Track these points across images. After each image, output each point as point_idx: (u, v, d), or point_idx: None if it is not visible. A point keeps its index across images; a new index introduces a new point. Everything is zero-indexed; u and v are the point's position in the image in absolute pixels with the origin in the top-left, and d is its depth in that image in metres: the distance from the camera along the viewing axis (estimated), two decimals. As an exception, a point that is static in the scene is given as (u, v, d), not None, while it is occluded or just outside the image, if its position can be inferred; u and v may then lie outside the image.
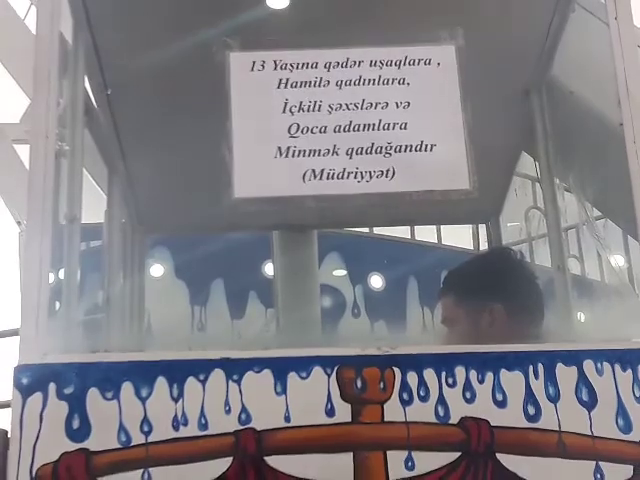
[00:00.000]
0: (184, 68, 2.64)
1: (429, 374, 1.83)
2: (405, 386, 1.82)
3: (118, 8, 2.53)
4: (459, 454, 1.78)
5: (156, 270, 5.80)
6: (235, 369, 1.81)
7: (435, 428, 1.80)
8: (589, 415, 1.83)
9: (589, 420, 1.83)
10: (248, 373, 1.81)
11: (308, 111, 2.09)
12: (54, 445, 1.74)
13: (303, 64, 2.12)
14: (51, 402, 1.77)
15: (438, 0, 2.51)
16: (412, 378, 1.82)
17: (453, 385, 1.83)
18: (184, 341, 2.39)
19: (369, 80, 2.13)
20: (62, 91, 2.26)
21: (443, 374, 1.83)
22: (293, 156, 2.05)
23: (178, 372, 1.80)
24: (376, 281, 6.91)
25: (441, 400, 1.82)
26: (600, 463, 1.80)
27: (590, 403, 1.84)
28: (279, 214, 3.13)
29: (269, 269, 5.78)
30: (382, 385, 1.82)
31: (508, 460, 1.79)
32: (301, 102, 2.10)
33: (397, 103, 2.11)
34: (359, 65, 2.14)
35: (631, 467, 1.81)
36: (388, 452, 1.78)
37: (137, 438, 1.76)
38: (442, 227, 6.78)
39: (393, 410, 1.80)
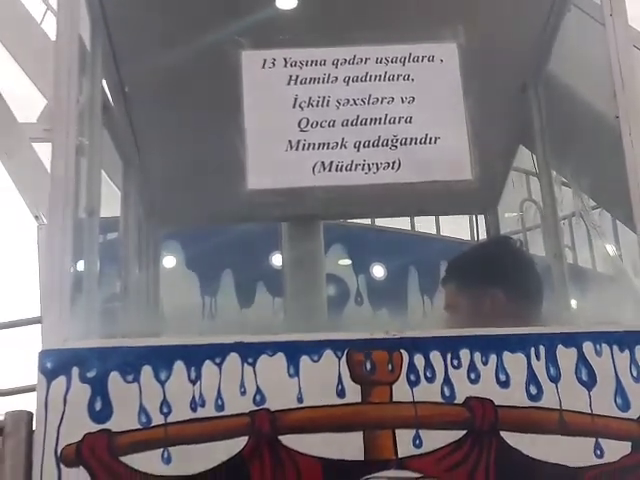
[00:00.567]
0: (198, 66, 2.64)
1: (435, 356, 1.83)
2: (412, 368, 1.82)
3: (134, 9, 2.52)
4: (464, 432, 1.78)
5: (168, 262, 5.80)
6: (250, 352, 1.81)
7: (441, 407, 1.80)
8: (589, 394, 1.83)
9: (589, 399, 1.83)
10: (262, 356, 1.81)
11: (317, 106, 2.09)
12: (77, 426, 1.75)
13: (312, 61, 2.12)
14: (74, 385, 1.77)
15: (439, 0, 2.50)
16: (419, 360, 1.82)
17: (458, 366, 1.82)
18: (196, 328, 2.39)
19: (375, 76, 2.13)
20: (81, 89, 2.25)
21: (448, 356, 1.83)
22: (303, 149, 2.05)
23: (195, 356, 1.80)
24: (378, 270, 6.92)
25: (447, 381, 1.81)
26: (599, 440, 1.79)
27: (589, 383, 1.84)
28: (288, 206, 3.12)
29: (276, 260, 5.79)
30: (390, 367, 1.82)
31: (511, 438, 1.79)
32: (310, 98, 2.09)
33: (402, 98, 2.11)
34: (365, 62, 2.13)
35: (629, 443, 1.81)
36: (397, 430, 1.77)
37: (157, 419, 1.76)
38: (441, 219, 6.78)
39: (401, 391, 1.80)
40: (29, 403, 1.88)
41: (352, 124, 2.08)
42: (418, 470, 1.75)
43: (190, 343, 1.84)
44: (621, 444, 1.81)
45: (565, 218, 4.58)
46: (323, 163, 2.04)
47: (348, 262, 6.70)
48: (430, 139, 2.08)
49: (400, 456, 1.76)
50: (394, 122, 2.09)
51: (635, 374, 1.85)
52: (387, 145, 2.07)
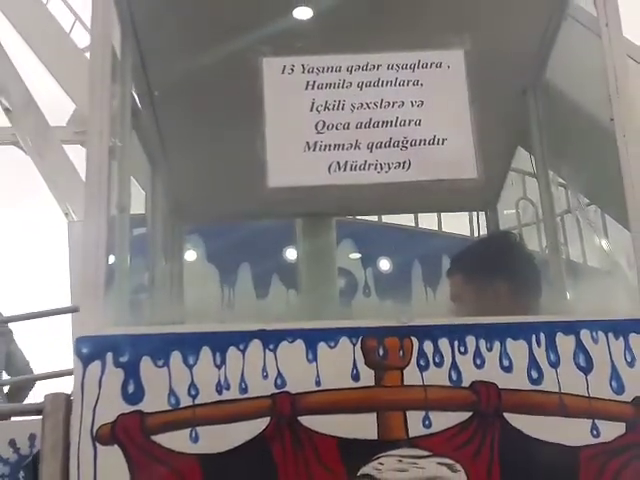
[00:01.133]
0: (221, 72, 2.64)
1: (443, 343, 1.83)
2: (422, 354, 1.82)
3: (162, 19, 2.53)
4: (470, 414, 1.79)
5: (190, 255, 5.82)
6: (271, 339, 1.82)
7: (449, 391, 1.81)
8: (586, 378, 1.83)
9: (586, 383, 1.83)
10: (282, 343, 1.82)
11: (333, 110, 2.09)
12: (112, 407, 1.76)
13: (328, 68, 2.12)
14: (109, 369, 1.78)
15: (445, 9, 2.50)
16: (428, 346, 1.83)
17: (465, 353, 1.83)
18: (216, 317, 2.39)
19: (387, 82, 2.13)
20: (113, 95, 2.26)
21: (456, 343, 1.83)
22: (320, 150, 2.05)
23: (220, 342, 1.81)
24: (384, 264, 6.93)
25: (454, 366, 1.82)
26: (596, 421, 1.80)
27: (587, 368, 1.84)
28: (303, 204, 3.13)
29: (290, 254, 5.81)
30: (401, 353, 1.82)
31: (514, 419, 1.79)
32: (326, 102, 2.09)
33: (412, 102, 2.11)
34: (378, 68, 2.13)
35: (624, 424, 1.82)
36: (407, 412, 1.78)
37: (185, 401, 1.77)
38: (442, 216, 6.78)
39: (411, 375, 1.81)
40: (66, 386, 1.90)
41: (365, 126, 2.08)
42: (427, 449, 1.76)
43: (216, 330, 1.85)
44: (616, 425, 1.81)
45: (558, 216, 4.57)
46: (338, 163, 2.04)
47: (357, 256, 6.71)
48: (438, 140, 2.08)
49: (411, 436, 1.77)
50: (404, 124, 2.09)
51: (629, 359, 1.86)
52: (398, 146, 2.07)
